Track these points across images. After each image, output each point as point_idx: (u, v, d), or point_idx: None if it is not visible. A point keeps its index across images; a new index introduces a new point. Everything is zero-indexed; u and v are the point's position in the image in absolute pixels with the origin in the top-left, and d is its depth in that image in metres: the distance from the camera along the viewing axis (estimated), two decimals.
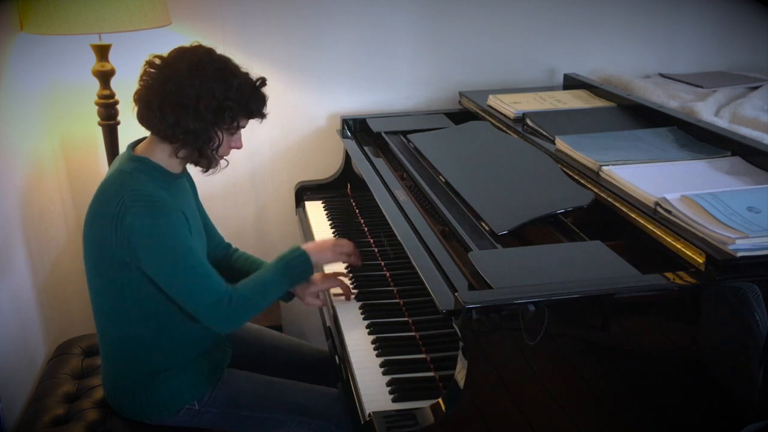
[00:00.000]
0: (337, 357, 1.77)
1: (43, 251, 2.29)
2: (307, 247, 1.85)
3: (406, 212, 1.88)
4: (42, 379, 2.02)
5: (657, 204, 1.55)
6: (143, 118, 1.67)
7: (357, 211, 2.48)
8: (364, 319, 1.85)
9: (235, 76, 1.65)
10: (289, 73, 2.73)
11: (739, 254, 1.35)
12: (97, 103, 2.36)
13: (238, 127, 1.72)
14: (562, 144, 1.99)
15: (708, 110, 2.29)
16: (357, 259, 1.96)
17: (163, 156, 1.70)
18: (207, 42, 1.71)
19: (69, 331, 2.34)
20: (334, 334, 1.84)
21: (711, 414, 1.45)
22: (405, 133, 2.46)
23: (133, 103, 1.68)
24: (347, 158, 2.63)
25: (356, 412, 1.54)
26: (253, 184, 2.83)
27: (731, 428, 1.46)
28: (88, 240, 1.69)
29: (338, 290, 1.93)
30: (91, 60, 2.32)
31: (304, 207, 2.59)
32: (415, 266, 1.61)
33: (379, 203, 1.98)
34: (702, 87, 2.62)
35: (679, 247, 1.45)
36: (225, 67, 1.65)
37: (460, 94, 2.73)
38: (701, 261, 1.38)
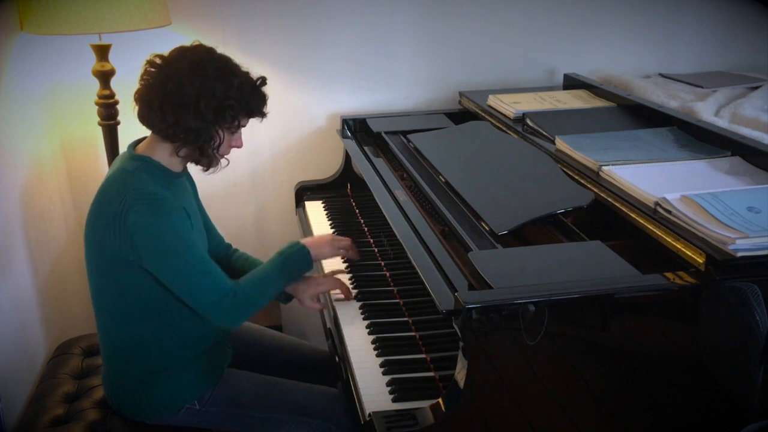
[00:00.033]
0: (337, 357, 1.77)
1: (44, 251, 2.29)
2: (305, 241, 1.87)
3: (406, 212, 1.88)
4: (42, 379, 2.02)
5: (657, 204, 1.55)
6: (144, 118, 1.67)
7: (357, 211, 2.48)
8: (364, 319, 1.85)
9: (235, 75, 1.66)
10: (289, 73, 2.73)
11: (739, 254, 1.35)
12: (97, 103, 2.36)
13: (239, 126, 1.72)
14: (562, 144, 1.99)
15: (708, 110, 2.29)
16: (355, 254, 1.97)
17: (164, 155, 1.70)
18: (207, 42, 1.71)
19: (69, 331, 2.34)
20: (334, 334, 1.84)
21: (711, 414, 1.45)
22: (405, 133, 2.46)
23: (134, 103, 1.68)
24: (347, 158, 2.63)
25: (356, 412, 1.54)
26: (253, 184, 2.83)
27: (731, 428, 1.46)
28: (89, 239, 1.69)
29: (338, 292, 1.93)
30: (91, 60, 2.32)
31: (304, 207, 2.59)
32: (415, 266, 1.61)
33: (379, 203, 1.98)
34: (702, 87, 2.62)
35: (679, 247, 1.45)
36: (225, 66, 1.66)
37: (460, 94, 2.73)
38: (701, 261, 1.38)
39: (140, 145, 1.75)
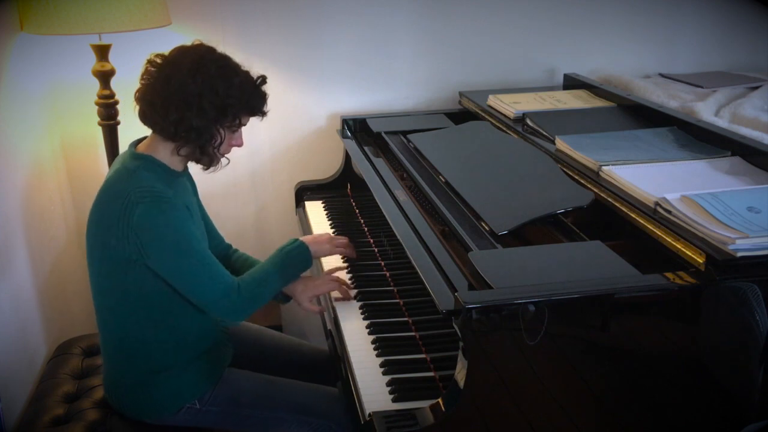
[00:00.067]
0: (337, 357, 1.77)
1: (44, 251, 2.29)
2: (305, 239, 1.89)
3: (406, 212, 1.88)
4: (42, 379, 2.02)
5: (657, 204, 1.55)
6: (145, 117, 1.68)
7: (357, 211, 2.48)
8: (364, 319, 1.85)
9: (236, 74, 1.67)
10: (289, 73, 2.73)
11: (739, 254, 1.35)
12: (97, 103, 2.36)
13: (240, 125, 1.73)
14: (562, 144, 1.99)
15: (708, 110, 2.29)
16: (352, 251, 2.01)
17: (165, 154, 1.71)
18: (207, 42, 1.72)
19: (69, 331, 2.34)
20: (334, 334, 1.84)
21: (711, 414, 1.45)
22: (405, 133, 2.46)
23: (135, 102, 1.69)
24: (347, 158, 2.63)
25: (356, 412, 1.54)
26: (253, 184, 2.83)
27: (731, 428, 1.46)
28: (92, 240, 1.70)
29: (337, 293, 1.94)
30: (91, 60, 2.32)
31: (304, 207, 2.59)
32: (415, 266, 1.61)
33: (379, 203, 1.98)
34: (702, 87, 2.62)
35: (679, 247, 1.45)
36: (227, 65, 1.67)
37: (460, 94, 2.73)
38: (701, 261, 1.38)
39: (141, 144, 1.75)
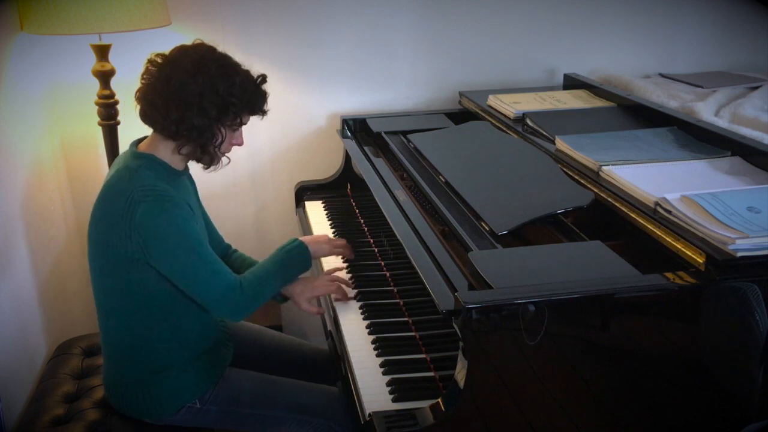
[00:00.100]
0: (337, 357, 1.77)
1: (44, 251, 2.29)
2: (304, 239, 1.90)
3: (406, 212, 1.88)
4: (42, 379, 2.02)
5: (657, 204, 1.55)
6: (147, 116, 1.68)
7: (357, 211, 2.48)
8: (364, 319, 1.85)
9: (237, 73, 1.68)
10: (289, 73, 2.73)
11: (739, 254, 1.35)
12: (97, 103, 2.36)
13: (241, 124, 1.74)
14: (562, 144, 1.99)
15: (708, 110, 2.29)
16: (350, 253, 2.03)
17: (166, 153, 1.71)
18: (207, 42, 1.72)
19: (69, 331, 2.34)
20: (334, 334, 1.84)
21: (711, 414, 1.45)
22: (405, 133, 2.46)
23: (136, 102, 1.69)
24: (347, 158, 2.63)
25: (356, 412, 1.54)
26: (253, 184, 2.83)
27: (731, 428, 1.46)
28: (94, 239, 1.70)
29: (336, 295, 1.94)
30: (91, 60, 2.32)
31: (304, 207, 2.59)
32: (415, 266, 1.61)
33: (379, 203, 1.98)
34: (702, 87, 2.62)
35: (679, 247, 1.45)
36: (227, 64, 1.68)
37: (460, 94, 2.73)
38: (701, 261, 1.38)
39: (142, 143, 1.75)
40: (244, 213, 2.86)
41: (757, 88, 2.57)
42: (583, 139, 1.98)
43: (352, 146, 2.51)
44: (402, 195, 2.01)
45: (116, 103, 2.36)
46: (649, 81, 2.75)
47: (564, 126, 2.14)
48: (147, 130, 1.74)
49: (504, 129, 2.28)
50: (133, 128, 1.79)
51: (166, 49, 1.69)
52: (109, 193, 1.67)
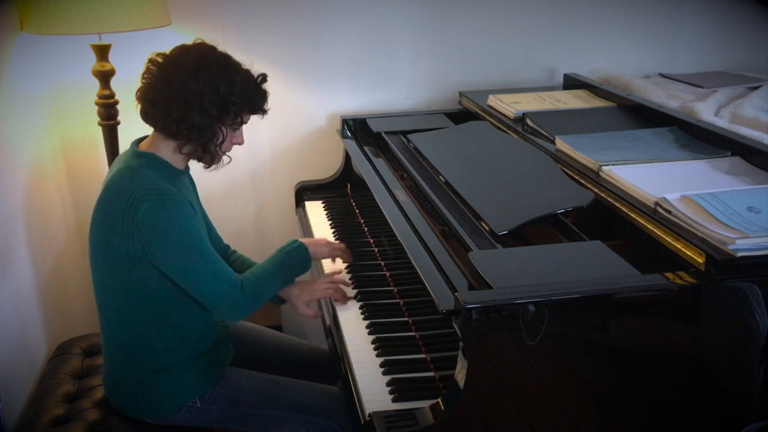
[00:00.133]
0: (337, 356, 1.77)
1: (44, 251, 2.29)
2: (304, 240, 1.91)
3: (406, 212, 1.88)
4: (42, 379, 2.02)
5: (657, 204, 1.55)
6: (147, 116, 1.68)
7: (357, 211, 2.48)
8: (364, 319, 1.85)
9: (237, 72, 1.68)
10: (289, 73, 2.73)
11: (739, 254, 1.35)
12: (97, 103, 2.36)
13: (241, 123, 1.74)
14: (562, 144, 1.99)
15: (708, 110, 2.29)
16: (349, 256, 2.04)
17: (167, 152, 1.71)
18: (207, 42, 1.72)
19: (69, 331, 2.34)
20: (334, 333, 1.84)
21: (711, 414, 1.45)
22: (405, 133, 2.46)
23: (136, 101, 1.69)
24: (347, 158, 2.63)
25: (356, 412, 1.54)
26: (253, 184, 2.83)
27: (731, 428, 1.46)
28: (95, 239, 1.70)
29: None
30: (91, 60, 2.32)
31: (304, 207, 2.59)
32: (415, 266, 1.61)
33: (379, 203, 1.99)
34: (702, 87, 2.62)
35: (679, 247, 1.45)
36: (228, 64, 1.68)
37: (460, 94, 2.73)
38: (701, 261, 1.38)
39: (143, 143, 1.76)
40: (244, 213, 2.86)
41: (757, 88, 2.57)
42: (583, 139, 1.98)
43: (352, 146, 2.51)
44: (402, 195, 2.01)
45: (116, 103, 2.36)
46: (649, 81, 2.75)
47: (564, 126, 2.14)
48: (147, 130, 1.75)
49: (504, 129, 2.28)
50: (133, 128, 1.79)
51: (166, 49, 1.69)
52: (110, 193, 1.67)
